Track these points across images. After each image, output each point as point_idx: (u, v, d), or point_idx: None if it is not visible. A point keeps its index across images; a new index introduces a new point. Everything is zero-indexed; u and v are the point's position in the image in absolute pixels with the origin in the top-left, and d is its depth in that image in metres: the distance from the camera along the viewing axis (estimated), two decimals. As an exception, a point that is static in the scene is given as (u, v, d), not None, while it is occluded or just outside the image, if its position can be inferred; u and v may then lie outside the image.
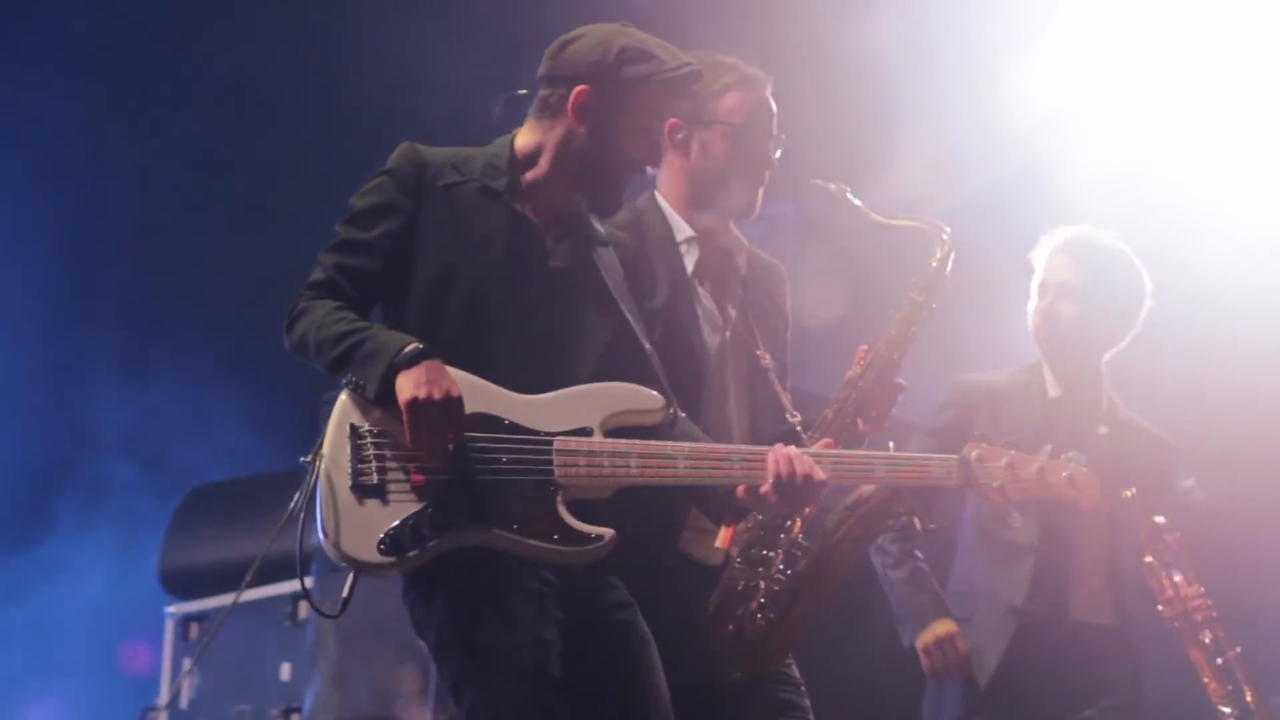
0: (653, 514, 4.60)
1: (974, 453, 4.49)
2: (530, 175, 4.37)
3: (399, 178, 4.31)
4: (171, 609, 9.74)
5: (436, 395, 3.95)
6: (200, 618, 9.54)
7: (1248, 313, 7.84)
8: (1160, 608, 5.69)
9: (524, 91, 4.48)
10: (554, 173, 4.36)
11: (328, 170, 10.05)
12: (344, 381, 4.12)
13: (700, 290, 4.94)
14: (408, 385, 3.97)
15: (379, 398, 4.03)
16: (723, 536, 4.62)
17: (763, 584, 4.75)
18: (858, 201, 4.94)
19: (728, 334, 4.94)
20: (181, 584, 9.88)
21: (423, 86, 9.51)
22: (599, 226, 4.51)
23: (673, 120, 4.83)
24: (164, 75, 10.94)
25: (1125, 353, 6.05)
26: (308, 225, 10.51)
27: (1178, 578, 5.61)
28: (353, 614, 8.61)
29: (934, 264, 4.95)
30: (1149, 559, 5.65)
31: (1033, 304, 6.10)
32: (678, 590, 4.72)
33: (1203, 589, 5.66)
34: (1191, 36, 7.99)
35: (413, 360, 4.00)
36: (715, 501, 4.40)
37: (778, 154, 4.95)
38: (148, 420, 10.71)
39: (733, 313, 4.97)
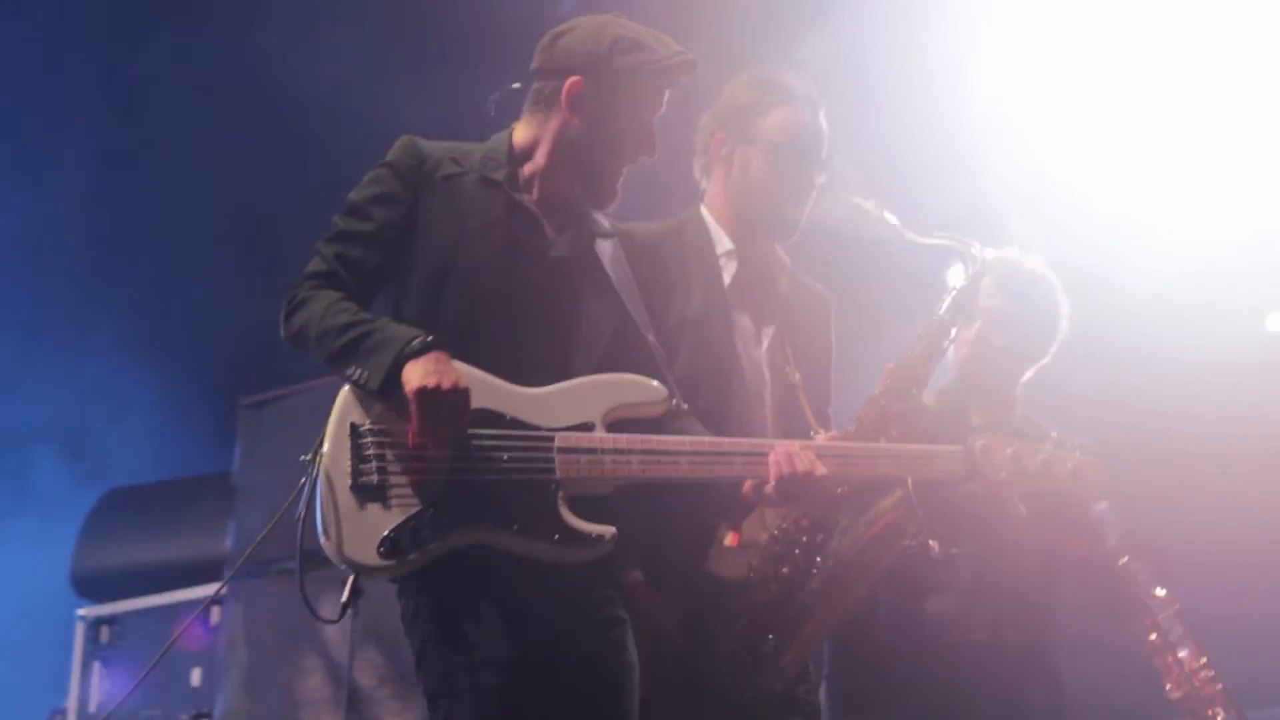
0: (686, 533, 4.60)
1: (979, 443, 4.37)
2: (529, 168, 4.34)
3: (399, 169, 4.27)
4: (83, 611, 9.66)
5: (445, 385, 3.90)
6: (112, 621, 9.48)
7: (1158, 331, 7.91)
8: (1168, 687, 5.52)
9: (517, 86, 4.44)
10: (551, 164, 4.32)
11: (263, 164, 10.10)
12: (347, 375, 4.03)
13: (737, 306, 4.88)
14: (415, 375, 3.91)
15: (383, 390, 3.96)
16: (730, 538, 4.49)
17: (776, 601, 4.66)
18: (894, 219, 4.84)
19: (764, 350, 4.89)
20: (94, 586, 9.82)
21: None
22: (603, 220, 4.46)
23: (719, 134, 4.87)
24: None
25: (1038, 372, 6.06)
26: (232, 223, 10.63)
27: (1183, 654, 5.47)
28: (265, 621, 8.57)
29: (963, 282, 4.87)
30: (1154, 637, 5.51)
31: (955, 331, 5.92)
32: (703, 607, 4.67)
33: (1205, 660, 5.54)
34: (1111, 58, 8.04)
35: (421, 351, 3.94)
36: (719, 500, 4.36)
37: (821, 178, 4.88)
38: (68, 413, 10.67)
39: (769, 331, 4.91)
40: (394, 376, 3.93)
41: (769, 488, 4.17)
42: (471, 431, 3.98)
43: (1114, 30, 7.93)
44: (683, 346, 4.65)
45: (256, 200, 10.33)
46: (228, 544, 8.55)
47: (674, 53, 4.30)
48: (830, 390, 5.02)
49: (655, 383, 4.22)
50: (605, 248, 4.42)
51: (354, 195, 4.26)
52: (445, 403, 3.90)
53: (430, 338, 3.96)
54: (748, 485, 4.20)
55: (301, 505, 3.98)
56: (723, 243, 4.88)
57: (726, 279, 4.85)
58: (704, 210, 4.94)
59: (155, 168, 10.78)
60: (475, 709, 3.95)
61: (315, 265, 4.19)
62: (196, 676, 8.80)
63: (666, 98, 4.36)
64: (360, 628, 7.44)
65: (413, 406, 3.90)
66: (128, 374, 10.58)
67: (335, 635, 7.73)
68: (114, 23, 10.65)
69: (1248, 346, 7.88)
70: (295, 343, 4.16)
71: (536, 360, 4.16)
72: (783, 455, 4.18)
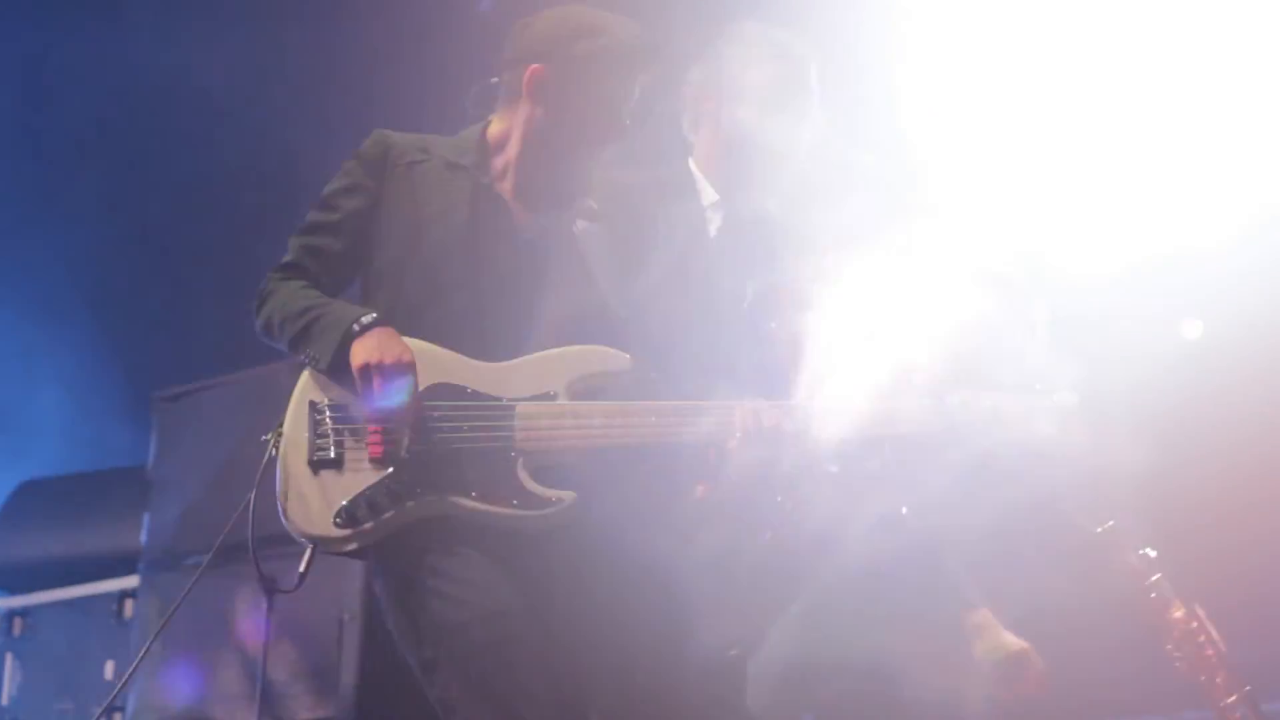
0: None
1: (956, 398, 4.35)
2: (501, 159, 4.37)
3: (365, 159, 4.34)
4: (-5, 603, 9.60)
5: (388, 360, 3.96)
6: (24, 613, 9.41)
7: (1105, 328, 7.96)
8: (1169, 647, 5.40)
9: (496, 80, 4.45)
10: (522, 154, 4.34)
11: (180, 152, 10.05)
12: (301, 358, 4.15)
13: (724, 255, 4.90)
14: (360, 352, 3.99)
15: (332, 369, 4.06)
16: (700, 490, 4.44)
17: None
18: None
19: (750, 300, 4.89)
20: (7, 579, 9.74)
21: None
22: (589, 203, 4.45)
23: (709, 91, 4.92)
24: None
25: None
26: (157, 224, 10.57)
27: (1178, 615, 5.40)
28: (179, 615, 8.59)
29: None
30: (1154, 596, 5.41)
31: None
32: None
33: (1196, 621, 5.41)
34: (1048, 57, 8.07)
35: (367, 328, 4.03)
36: (688, 461, 4.32)
37: (808, 132, 4.91)
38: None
39: (753, 284, 4.92)
40: (341, 355, 4.02)
41: (732, 442, 4.16)
42: (431, 404, 4.03)
43: (1038, 37, 7.96)
44: (659, 308, 4.55)
45: (172, 191, 10.26)
46: (142, 537, 8.49)
47: (633, 36, 4.33)
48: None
49: (620, 352, 4.21)
50: (587, 230, 4.41)
51: (326, 188, 4.34)
52: (389, 374, 3.96)
53: (374, 315, 4.05)
54: (713, 452, 4.21)
55: (255, 485, 4.12)
56: (708, 194, 4.88)
57: (712, 230, 4.86)
58: (691, 164, 4.95)
59: (63, 151, 10.69)
60: (473, 668, 3.95)
61: (285, 258, 4.30)
62: (109, 670, 8.74)
63: (638, 84, 4.36)
64: (275, 623, 7.41)
65: (358, 381, 3.98)
66: (40, 365, 10.50)
67: (250, 630, 7.70)
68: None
69: (1163, 353, 7.96)
70: (265, 334, 4.28)
71: (499, 338, 4.18)
72: (748, 410, 4.18)
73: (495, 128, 4.41)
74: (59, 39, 10.38)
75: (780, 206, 5.00)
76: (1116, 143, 7.91)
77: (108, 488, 9.74)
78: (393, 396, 3.97)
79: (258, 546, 8.03)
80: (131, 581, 8.59)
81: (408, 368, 3.98)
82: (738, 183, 4.89)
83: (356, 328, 4.04)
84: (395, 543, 4.03)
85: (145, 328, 10.04)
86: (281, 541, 8.04)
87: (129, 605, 8.65)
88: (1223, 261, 7.85)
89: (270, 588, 7.05)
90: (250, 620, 7.66)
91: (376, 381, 3.96)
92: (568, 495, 4.05)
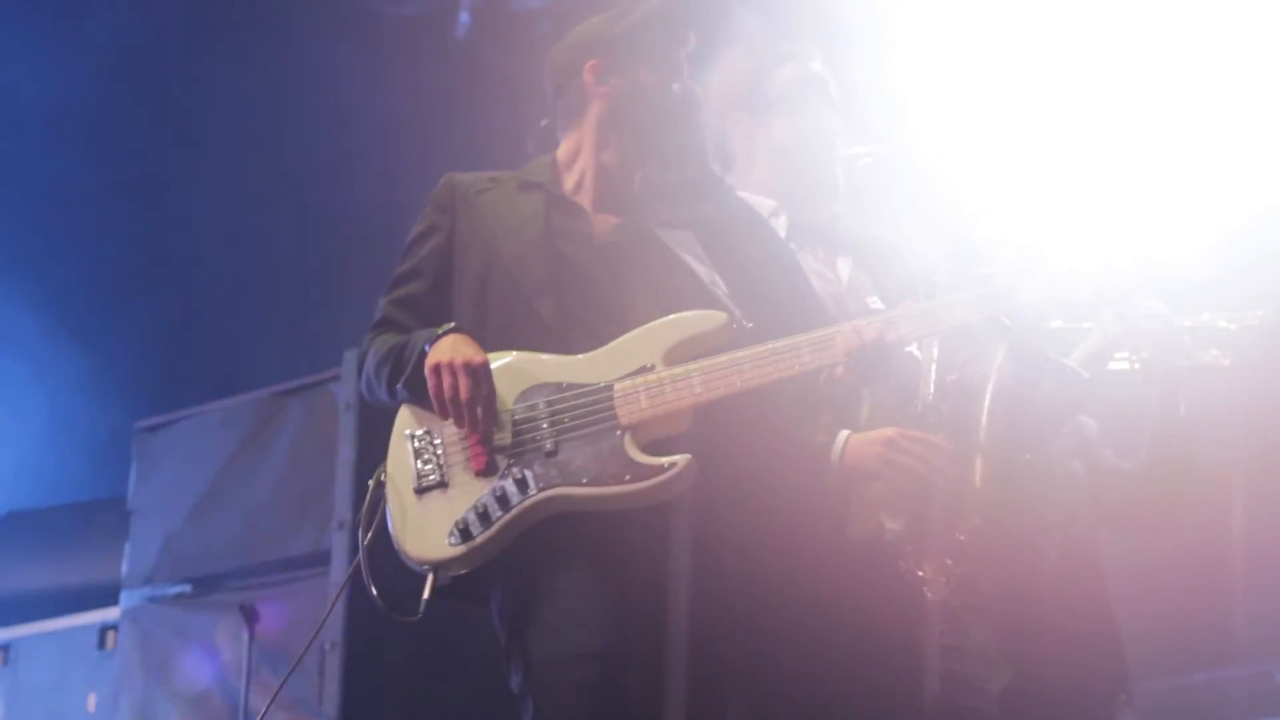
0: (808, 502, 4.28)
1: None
2: (574, 173, 4.34)
3: (436, 201, 4.32)
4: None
5: (458, 360, 3.91)
6: (6, 646, 9.41)
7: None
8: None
9: (545, 122, 4.46)
10: (600, 156, 4.32)
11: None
12: (395, 389, 4.08)
13: (801, 250, 4.71)
14: (431, 359, 3.95)
15: (410, 386, 4.02)
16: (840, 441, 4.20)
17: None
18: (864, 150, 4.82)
19: (845, 284, 4.74)
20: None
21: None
22: (671, 214, 4.36)
23: (734, 115, 4.79)
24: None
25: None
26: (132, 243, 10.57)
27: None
28: (158, 645, 8.53)
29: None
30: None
31: None
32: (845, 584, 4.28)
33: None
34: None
35: (438, 339, 3.98)
36: (808, 406, 4.20)
37: (838, 120, 4.82)
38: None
39: (846, 262, 4.78)
40: (418, 372, 3.98)
41: (840, 368, 4.03)
42: (528, 405, 3.96)
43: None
44: (760, 301, 4.31)
45: (149, 223, 10.28)
46: (123, 568, 8.50)
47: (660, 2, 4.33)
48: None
49: (710, 310, 4.10)
50: (673, 235, 4.34)
51: (408, 240, 4.31)
52: (458, 373, 3.91)
53: (450, 325, 4.00)
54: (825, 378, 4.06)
55: (364, 522, 3.97)
56: (765, 205, 4.72)
57: (782, 233, 4.69)
58: (742, 195, 4.70)
59: (39, 189, 10.71)
60: (579, 703, 3.82)
61: (374, 319, 4.24)
62: (92, 702, 8.74)
63: (684, 60, 4.32)
64: (257, 652, 7.43)
65: (430, 387, 3.94)
66: (20, 398, 10.50)
67: (231, 659, 7.72)
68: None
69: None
70: (369, 393, 4.22)
71: (595, 337, 4.10)
72: (849, 330, 4.04)
73: (564, 149, 4.37)
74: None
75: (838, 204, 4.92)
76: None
77: (88, 519, 9.75)
78: (465, 396, 3.91)
79: (240, 576, 8.15)
80: (113, 613, 8.59)
81: (478, 368, 3.93)
82: (792, 192, 4.76)
83: (430, 339, 3.99)
84: (513, 555, 3.90)
85: (125, 359, 10.05)
86: (264, 571, 8.13)
87: (110, 637, 8.64)
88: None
89: (251, 617, 7.09)
90: (233, 650, 7.67)
91: (447, 382, 3.91)
92: (681, 458, 3.90)
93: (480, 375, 3.93)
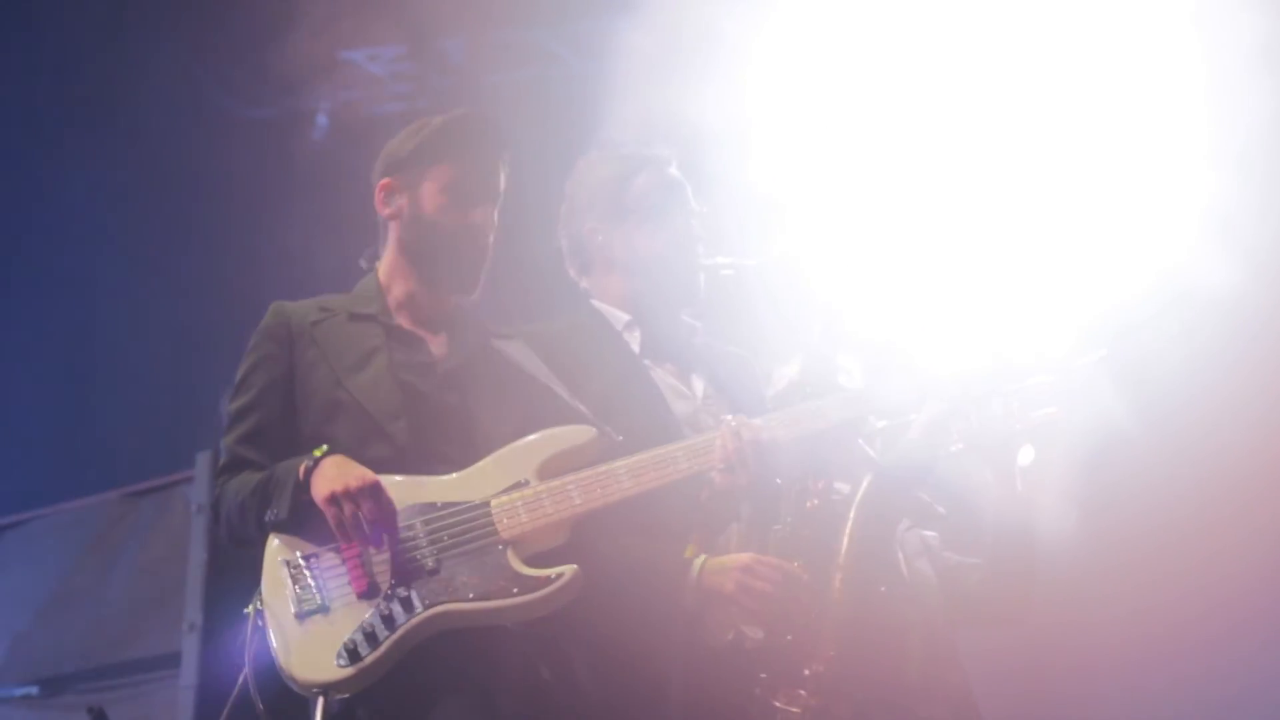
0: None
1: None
2: (393, 295, 4.37)
3: (268, 332, 4.30)
4: None
5: (353, 483, 3.89)
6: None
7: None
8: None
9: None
10: (409, 277, 4.37)
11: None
12: (265, 521, 4.00)
13: (655, 365, 4.73)
14: (321, 484, 3.92)
15: (294, 515, 3.96)
16: (691, 548, 4.24)
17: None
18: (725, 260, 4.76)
19: (699, 399, 4.70)
20: None
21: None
22: (500, 327, 4.46)
23: (590, 225, 4.76)
24: None
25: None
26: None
27: None
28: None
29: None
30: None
31: None
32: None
33: None
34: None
35: (317, 463, 3.96)
36: (675, 520, 4.24)
37: (699, 220, 4.82)
38: None
39: (699, 383, 4.75)
40: (299, 498, 3.95)
41: (718, 473, 4.12)
42: (405, 525, 3.97)
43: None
44: (612, 415, 4.39)
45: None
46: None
47: (453, 115, 4.40)
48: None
49: (579, 425, 4.19)
50: (508, 346, 4.40)
51: (238, 373, 4.29)
52: (358, 496, 3.90)
53: (325, 448, 3.98)
54: (705, 490, 4.15)
55: (248, 656, 3.91)
56: (619, 319, 4.75)
57: (636, 348, 4.72)
58: (595, 304, 4.82)
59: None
60: None
61: (221, 462, 4.24)
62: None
63: (481, 158, 4.38)
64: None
65: (329, 514, 3.91)
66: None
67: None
68: None
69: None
70: (233, 539, 4.17)
71: (449, 458, 4.13)
72: (727, 433, 4.13)
73: (383, 267, 4.43)
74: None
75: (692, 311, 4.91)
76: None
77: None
78: (369, 516, 3.90)
79: (89, 678, 8.06)
80: (-42, 714, 8.48)
81: (373, 485, 3.92)
82: (649, 304, 4.76)
83: (310, 463, 3.97)
84: (370, 701, 3.91)
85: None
86: (113, 674, 8.04)
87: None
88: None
89: (100, 719, 7.02)
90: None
91: (347, 508, 3.90)
92: (567, 569, 3.98)
93: (379, 493, 3.93)
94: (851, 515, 4.28)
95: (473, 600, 3.93)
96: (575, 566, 3.98)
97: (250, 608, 3.95)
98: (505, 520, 4.03)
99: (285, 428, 4.22)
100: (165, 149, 9.53)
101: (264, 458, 4.16)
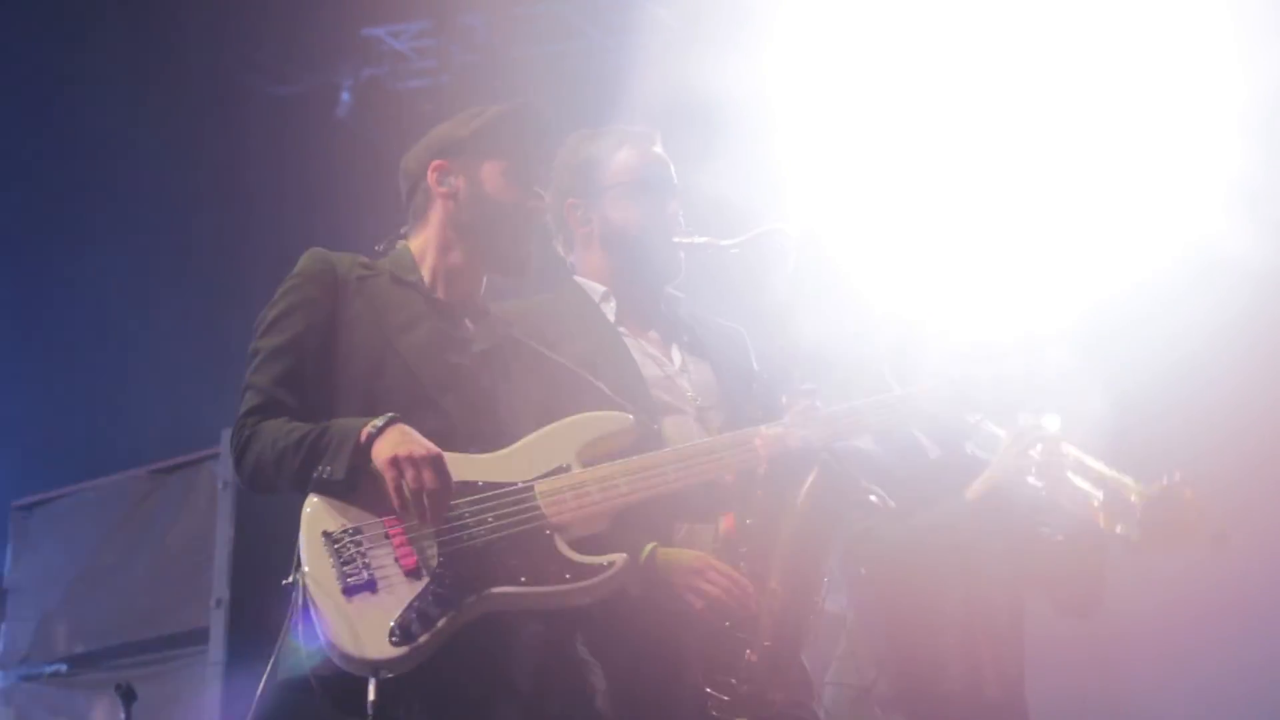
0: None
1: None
2: (427, 271, 4.36)
3: (311, 276, 4.26)
4: None
5: (418, 450, 3.86)
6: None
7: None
8: None
9: (404, 229, 4.49)
10: (446, 254, 4.38)
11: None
12: (315, 475, 3.94)
13: (632, 334, 4.79)
14: (385, 449, 3.87)
15: (349, 479, 3.91)
16: (724, 524, 4.32)
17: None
18: (702, 239, 4.80)
19: (677, 366, 4.78)
20: None
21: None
22: (502, 317, 4.47)
23: (570, 201, 4.83)
24: None
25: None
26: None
27: None
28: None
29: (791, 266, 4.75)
30: None
31: None
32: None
33: None
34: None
35: (381, 430, 3.91)
36: (705, 499, 4.31)
37: (677, 204, 4.86)
38: None
39: (678, 354, 4.81)
40: (359, 463, 3.90)
41: (762, 468, 4.21)
42: (451, 503, 3.93)
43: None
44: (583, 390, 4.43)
45: (17, 304, 10.23)
46: (-1, 647, 8.43)
47: (510, 104, 4.43)
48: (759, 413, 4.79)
49: (617, 412, 4.23)
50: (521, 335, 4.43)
51: (269, 312, 4.21)
52: (421, 464, 3.86)
53: (389, 415, 3.93)
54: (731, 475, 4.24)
55: (297, 626, 3.83)
56: (596, 290, 4.81)
57: (611, 317, 4.78)
58: (577, 280, 4.89)
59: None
60: None
61: (251, 400, 4.12)
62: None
63: (530, 168, 4.41)
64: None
65: (389, 479, 3.86)
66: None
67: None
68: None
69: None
70: (255, 482, 4.08)
71: (483, 438, 4.12)
72: (770, 437, 4.22)
73: (414, 244, 4.42)
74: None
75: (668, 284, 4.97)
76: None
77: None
78: (431, 488, 3.86)
79: (117, 655, 8.09)
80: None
81: (439, 457, 3.89)
82: (624, 276, 4.82)
83: (372, 429, 3.92)
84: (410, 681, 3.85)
85: (1, 436, 9.97)
86: (141, 650, 8.06)
87: (-13, 715, 8.55)
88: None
89: (128, 696, 7.04)
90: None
91: (409, 474, 3.85)
92: (619, 557, 3.99)
93: (441, 466, 3.89)
94: (798, 506, 4.30)
95: (524, 584, 3.92)
96: (625, 555, 3.99)
97: (293, 576, 3.87)
98: (552, 505, 4.02)
99: (323, 375, 4.17)
100: (192, 127, 9.56)
101: (300, 404, 4.10)
